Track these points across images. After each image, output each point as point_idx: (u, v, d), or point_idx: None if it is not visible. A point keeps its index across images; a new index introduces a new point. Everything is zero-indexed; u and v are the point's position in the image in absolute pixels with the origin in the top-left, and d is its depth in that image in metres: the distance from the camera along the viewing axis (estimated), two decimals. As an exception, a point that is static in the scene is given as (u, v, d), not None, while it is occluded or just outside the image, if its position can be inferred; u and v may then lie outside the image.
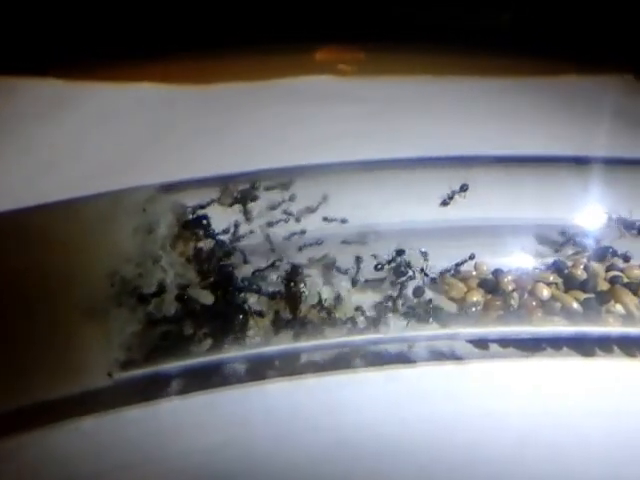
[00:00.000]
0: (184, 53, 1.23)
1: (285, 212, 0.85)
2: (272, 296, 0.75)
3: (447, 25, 1.34)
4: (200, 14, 1.27)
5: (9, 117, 1.13)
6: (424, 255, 0.79)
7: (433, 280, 0.79)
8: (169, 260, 0.74)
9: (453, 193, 0.85)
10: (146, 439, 0.67)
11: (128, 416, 0.69)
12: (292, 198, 0.86)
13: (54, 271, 0.73)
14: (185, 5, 1.26)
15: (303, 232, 0.83)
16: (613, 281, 0.78)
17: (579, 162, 0.95)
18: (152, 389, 0.71)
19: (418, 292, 0.78)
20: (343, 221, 0.85)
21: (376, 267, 0.79)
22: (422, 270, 0.78)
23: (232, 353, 0.72)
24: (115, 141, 1.07)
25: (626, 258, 0.82)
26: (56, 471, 0.65)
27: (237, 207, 0.83)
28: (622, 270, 0.80)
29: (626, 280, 0.78)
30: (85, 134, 1.10)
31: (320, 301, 0.74)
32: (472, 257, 0.81)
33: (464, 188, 0.85)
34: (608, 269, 0.80)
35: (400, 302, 0.76)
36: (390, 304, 0.76)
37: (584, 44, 1.29)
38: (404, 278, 0.78)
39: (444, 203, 0.85)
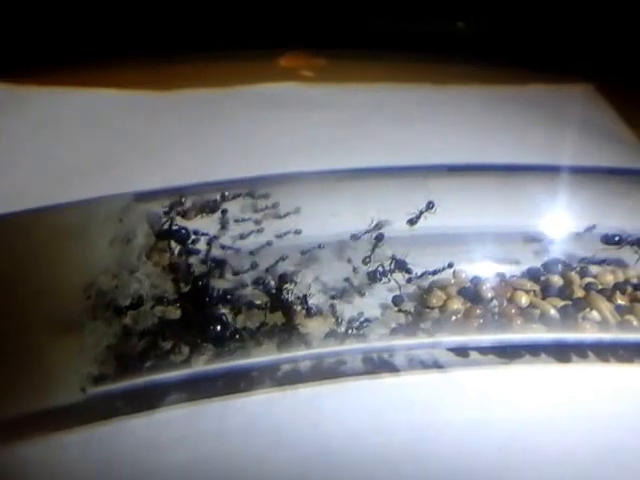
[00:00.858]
0: (146, 59, 1.22)
1: (258, 221, 0.85)
2: (250, 306, 0.74)
3: (414, 34, 1.35)
4: (163, 20, 1.25)
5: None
6: (402, 263, 0.80)
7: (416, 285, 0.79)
8: (145, 271, 0.72)
9: (420, 212, 0.84)
10: (121, 455, 0.66)
11: (102, 432, 0.66)
12: (264, 207, 0.85)
13: (25, 283, 0.70)
14: (148, 10, 1.24)
15: (276, 241, 0.82)
16: (588, 288, 0.79)
17: (544, 170, 0.96)
18: (127, 404, 0.69)
19: (397, 300, 0.77)
20: (314, 230, 0.84)
21: (364, 260, 0.79)
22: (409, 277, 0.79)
23: (210, 365, 0.71)
24: (78, 150, 1.05)
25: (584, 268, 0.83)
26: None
27: (212, 217, 0.82)
28: (595, 276, 0.81)
29: (600, 286, 0.79)
30: (43, 142, 1.08)
31: (306, 310, 0.73)
32: (451, 265, 0.81)
33: (430, 206, 0.84)
34: (582, 276, 0.81)
35: (379, 311, 0.76)
36: (369, 312, 0.76)
37: (545, 54, 1.31)
38: (381, 285, 0.79)
39: (411, 222, 0.84)
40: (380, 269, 0.78)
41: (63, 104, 1.15)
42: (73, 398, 0.67)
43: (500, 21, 1.37)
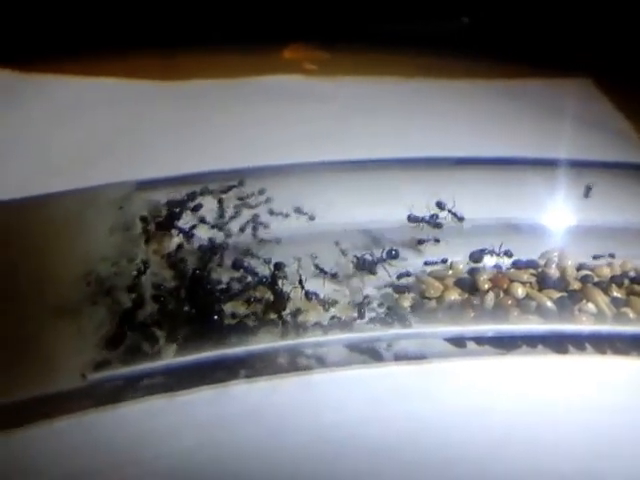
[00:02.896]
0: (150, 50, 1.22)
1: (256, 211, 0.85)
2: (248, 295, 0.74)
3: (411, 28, 1.35)
4: (168, 11, 1.26)
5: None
6: (395, 252, 0.81)
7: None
8: (145, 258, 0.73)
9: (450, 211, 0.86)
10: (120, 441, 0.66)
11: (102, 418, 0.67)
12: (263, 197, 0.86)
13: (26, 270, 0.71)
14: (154, 1, 1.25)
15: (272, 231, 0.83)
16: (584, 280, 0.79)
17: (543, 164, 0.97)
18: (126, 390, 0.69)
19: (397, 290, 0.78)
20: (311, 218, 0.85)
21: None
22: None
23: (208, 353, 0.71)
24: (79, 137, 1.05)
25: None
26: (26, 474, 0.63)
27: (210, 206, 0.83)
28: (592, 269, 0.82)
29: (597, 279, 0.80)
30: (44, 129, 1.08)
31: (307, 298, 0.74)
32: (444, 261, 0.82)
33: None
34: (579, 268, 0.82)
35: (378, 300, 0.77)
36: (367, 302, 0.76)
37: (544, 49, 1.32)
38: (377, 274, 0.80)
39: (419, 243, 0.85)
40: (369, 258, 0.79)
41: (69, 91, 1.16)
42: (73, 384, 0.68)
43: (499, 17, 1.37)
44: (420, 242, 0.84)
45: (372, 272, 0.79)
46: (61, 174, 0.93)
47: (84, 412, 0.67)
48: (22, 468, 0.64)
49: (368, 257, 0.79)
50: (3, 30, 1.19)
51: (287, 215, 0.84)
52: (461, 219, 0.86)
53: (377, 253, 0.80)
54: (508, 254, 0.82)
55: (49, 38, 1.21)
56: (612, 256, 0.84)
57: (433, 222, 0.85)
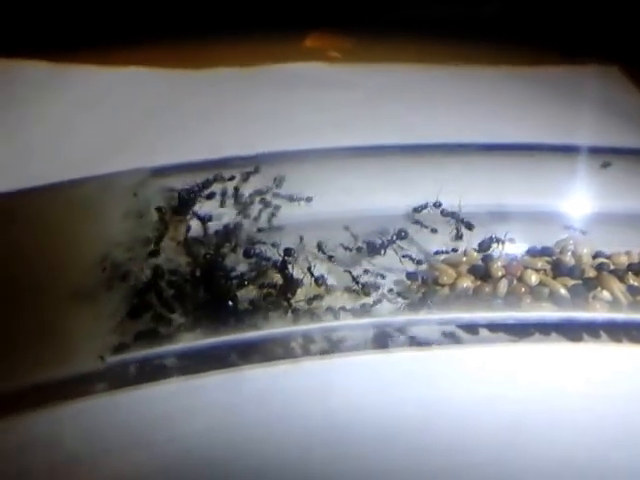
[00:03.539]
0: (174, 38, 1.23)
1: (271, 198, 0.86)
2: (261, 281, 0.75)
3: (436, 14, 1.35)
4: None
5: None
6: (404, 233, 0.81)
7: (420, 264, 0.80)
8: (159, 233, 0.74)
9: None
10: (135, 424, 0.67)
11: (118, 400, 0.68)
12: (279, 183, 0.87)
13: (43, 256, 0.72)
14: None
15: (286, 218, 0.84)
16: (599, 268, 0.79)
17: (564, 150, 0.96)
18: (142, 373, 0.71)
19: (410, 277, 0.78)
20: (328, 205, 0.85)
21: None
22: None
23: (221, 338, 0.72)
24: (104, 125, 1.07)
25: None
26: (43, 454, 0.65)
27: (225, 193, 0.84)
28: (609, 257, 0.81)
29: (612, 267, 0.79)
30: (73, 117, 1.10)
31: (317, 284, 0.74)
32: (455, 250, 0.82)
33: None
34: (595, 256, 0.81)
35: (390, 286, 0.77)
36: (380, 288, 0.77)
37: (570, 35, 1.30)
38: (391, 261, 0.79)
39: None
40: (378, 240, 0.79)
41: (91, 81, 1.17)
42: (91, 367, 0.69)
43: (526, 3, 1.36)
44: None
45: (382, 255, 0.79)
46: (84, 162, 0.95)
47: (101, 394, 0.68)
48: (39, 449, 0.65)
49: (378, 240, 0.79)
50: (25, 22, 1.22)
51: (300, 201, 0.84)
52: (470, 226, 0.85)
53: (387, 236, 0.80)
54: (512, 242, 0.82)
55: (71, 29, 1.22)
56: (583, 232, 0.84)
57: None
